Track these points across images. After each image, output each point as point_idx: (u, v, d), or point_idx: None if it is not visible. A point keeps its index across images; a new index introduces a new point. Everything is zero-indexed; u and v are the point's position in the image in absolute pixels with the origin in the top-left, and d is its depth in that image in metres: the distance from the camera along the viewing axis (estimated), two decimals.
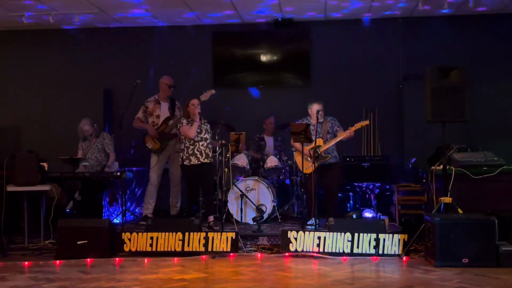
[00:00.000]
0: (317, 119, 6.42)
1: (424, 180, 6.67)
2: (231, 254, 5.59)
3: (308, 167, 6.54)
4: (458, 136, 6.95)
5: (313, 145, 6.53)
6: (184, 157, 6.69)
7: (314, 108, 6.70)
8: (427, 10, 8.10)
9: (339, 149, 6.99)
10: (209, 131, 6.77)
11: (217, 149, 6.66)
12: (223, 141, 6.58)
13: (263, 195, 7.12)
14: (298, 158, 6.90)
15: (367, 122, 6.58)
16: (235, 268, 5.06)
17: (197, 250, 5.62)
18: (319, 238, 5.52)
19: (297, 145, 6.63)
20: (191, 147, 6.66)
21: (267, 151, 7.92)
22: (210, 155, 6.71)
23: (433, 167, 5.88)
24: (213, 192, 6.92)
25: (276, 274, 4.81)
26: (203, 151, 6.65)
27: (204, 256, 5.55)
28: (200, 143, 6.66)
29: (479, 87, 7.46)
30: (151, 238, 5.66)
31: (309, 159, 6.57)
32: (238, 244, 5.68)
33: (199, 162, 6.63)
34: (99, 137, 7.43)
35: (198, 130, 6.66)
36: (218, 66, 8.85)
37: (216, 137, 6.68)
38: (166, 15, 8.37)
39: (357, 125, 6.51)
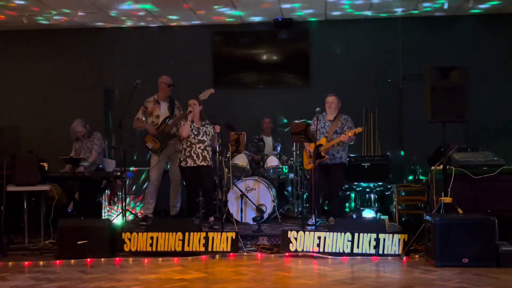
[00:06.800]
0: (317, 118, 6.41)
1: (424, 180, 6.68)
2: (231, 254, 5.60)
3: (308, 164, 6.57)
4: (458, 136, 6.95)
5: (318, 142, 6.53)
6: (182, 158, 6.68)
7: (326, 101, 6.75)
8: (427, 10, 8.10)
9: None
10: (208, 133, 6.72)
11: (217, 148, 6.63)
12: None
13: (263, 195, 7.11)
14: (305, 153, 6.92)
15: (360, 129, 6.50)
16: (235, 268, 5.06)
17: (197, 250, 5.62)
18: (319, 238, 5.52)
19: None
20: (188, 149, 6.63)
21: (267, 151, 7.92)
22: (208, 158, 6.68)
23: (433, 167, 5.88)
24: (213, 193, 6.91)
25: (276, 274, 4.81)
26: (200, 154, 6.61)
27: (204, 256, 5.55)
28: (197, 145, 6.63)
29: (479, 87, 7.46)
30: (151, 238, 5.66)
31: (309, 156, 6.61)
32: (238, 244, 5.68)
33: (195, 165, 6.61)
34: (90, 137, 7.43)
35: (195, 132, 6.63)
36: (218, 66, 8.84)
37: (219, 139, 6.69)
38: (166, 15, 8.37)
39: (350, 132, 6.46)
